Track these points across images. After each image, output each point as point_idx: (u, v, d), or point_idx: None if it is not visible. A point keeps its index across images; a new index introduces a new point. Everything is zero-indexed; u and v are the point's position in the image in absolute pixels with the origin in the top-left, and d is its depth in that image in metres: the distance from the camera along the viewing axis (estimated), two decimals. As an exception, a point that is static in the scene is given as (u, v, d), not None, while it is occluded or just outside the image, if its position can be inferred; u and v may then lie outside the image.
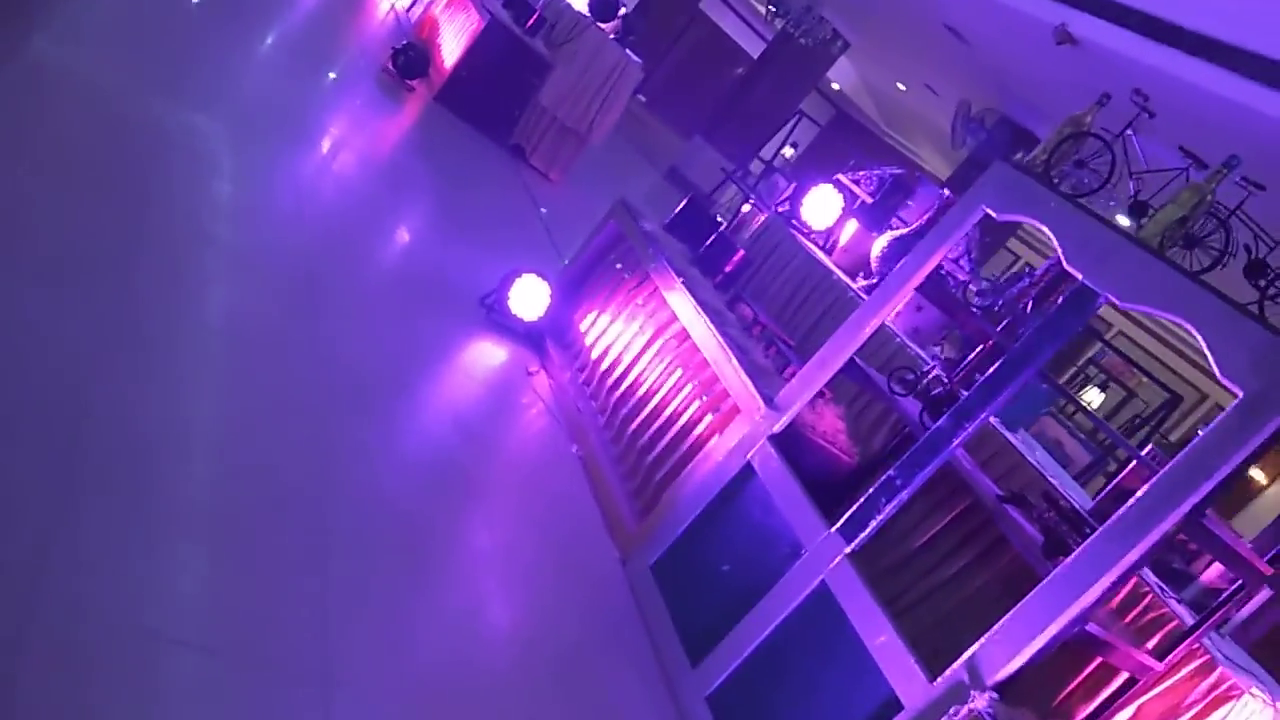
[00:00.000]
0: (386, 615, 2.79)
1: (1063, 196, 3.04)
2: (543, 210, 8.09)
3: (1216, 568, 3.45)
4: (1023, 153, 10.91)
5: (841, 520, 3.10)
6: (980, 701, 2.56)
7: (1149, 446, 3.76)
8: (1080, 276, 2.89)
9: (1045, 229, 3.01)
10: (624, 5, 9.22)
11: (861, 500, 3.08)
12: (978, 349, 4.00)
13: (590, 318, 5.03)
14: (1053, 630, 2.55)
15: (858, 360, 3.59)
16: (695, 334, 4.21)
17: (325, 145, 6.21)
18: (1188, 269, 2.83)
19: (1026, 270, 4.10)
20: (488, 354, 4.91)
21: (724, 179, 10.23)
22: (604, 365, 4.72)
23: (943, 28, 10.00)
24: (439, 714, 2.64)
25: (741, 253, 4.89)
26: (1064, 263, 2.93)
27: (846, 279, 5.43)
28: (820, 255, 5.71)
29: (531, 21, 8.59)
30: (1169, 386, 10.50)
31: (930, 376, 3.67)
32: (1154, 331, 13.19)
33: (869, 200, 5.95)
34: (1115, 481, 3.55)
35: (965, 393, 3.30)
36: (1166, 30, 6.16)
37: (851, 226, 5.84)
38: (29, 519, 2.21)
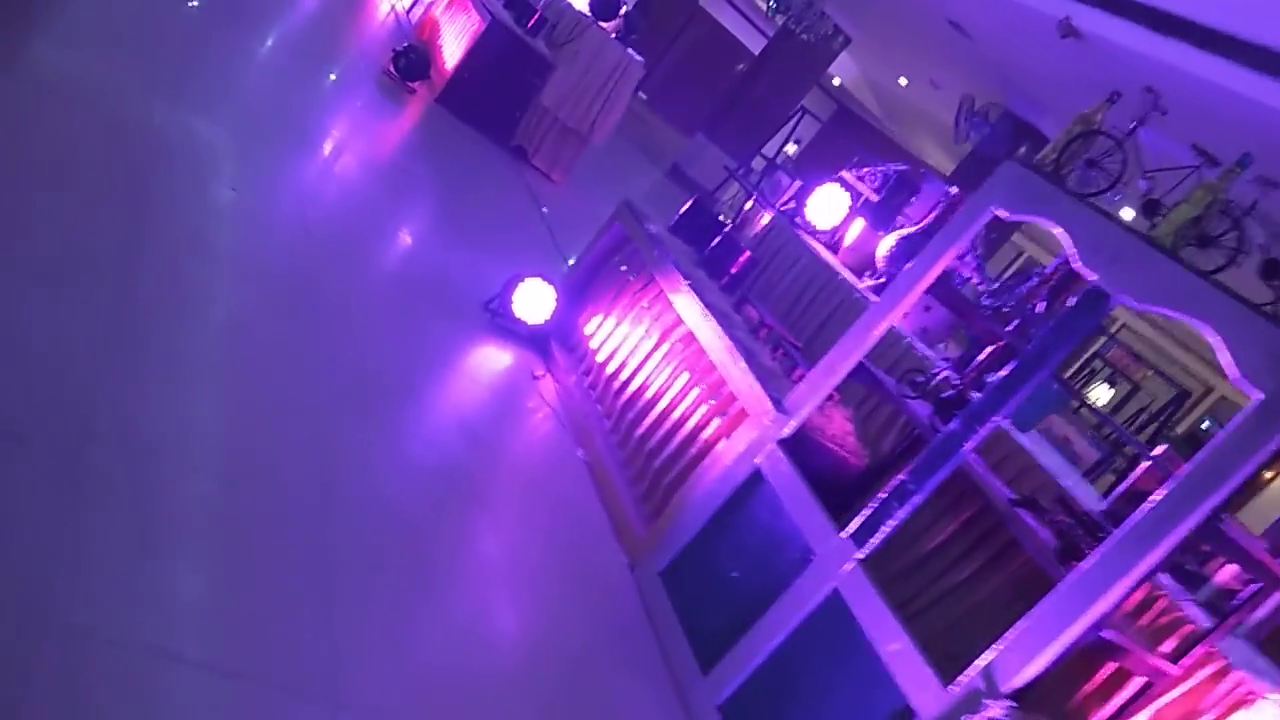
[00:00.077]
0: (393, 626, 2.76)
1: (1074, 196, 3.01)
2: (545, 210, 8.07)
3: (1230, 568, 3.42)
4: (1026, 146, 10.86)
5: (853, 526, 3.07)
6: (996, 710, 2.53)
7: (1161, 447, 3.71)
8: (1093, 277, 2.86)
9: (1057, 229, 2.97)
10: (625, 4, 9.18)
11: (873, 505, 3.05)
12: (986, 348, 3.97)
13: (595, 321, 5.00)
14: (1069, 637, 2.51)
15: (866, 363, 3.56)
16: (702, 336, 4.18)
17: (326, 148, 6.19)
18: (1201, 269, 2.80)
19: (1036, 271, 4.06)
20: (492, 358, 4.88)
21: (727, 177, 10.19)
22: (610, 369, 4.69)
23: (945, 22, 9.95)
24: (448, 727, 2.62)
25: (747, 254, 4.85)
26: (1077, 263, 2.90)
27: (853, 279, 5.40)
28: (826, 255, 5.67)
29: (533, 22, 8.56)
30: (1175, 380, 10.46)
31: (940, 378, 3.64)
32: (1158, 324, 13.15)
33: (874, 198, 5.90)
34: (1128, 483, 3.52)
35: (976, 394, 3.27)
36: (1173, 23, 6.11)
37: (858, 225, 5.80)
38: (31, 533, 2.19)
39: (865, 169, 6.32)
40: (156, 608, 2.26)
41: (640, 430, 4.29)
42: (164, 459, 2.69)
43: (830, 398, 3.69)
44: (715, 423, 3.95)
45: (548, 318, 5.05)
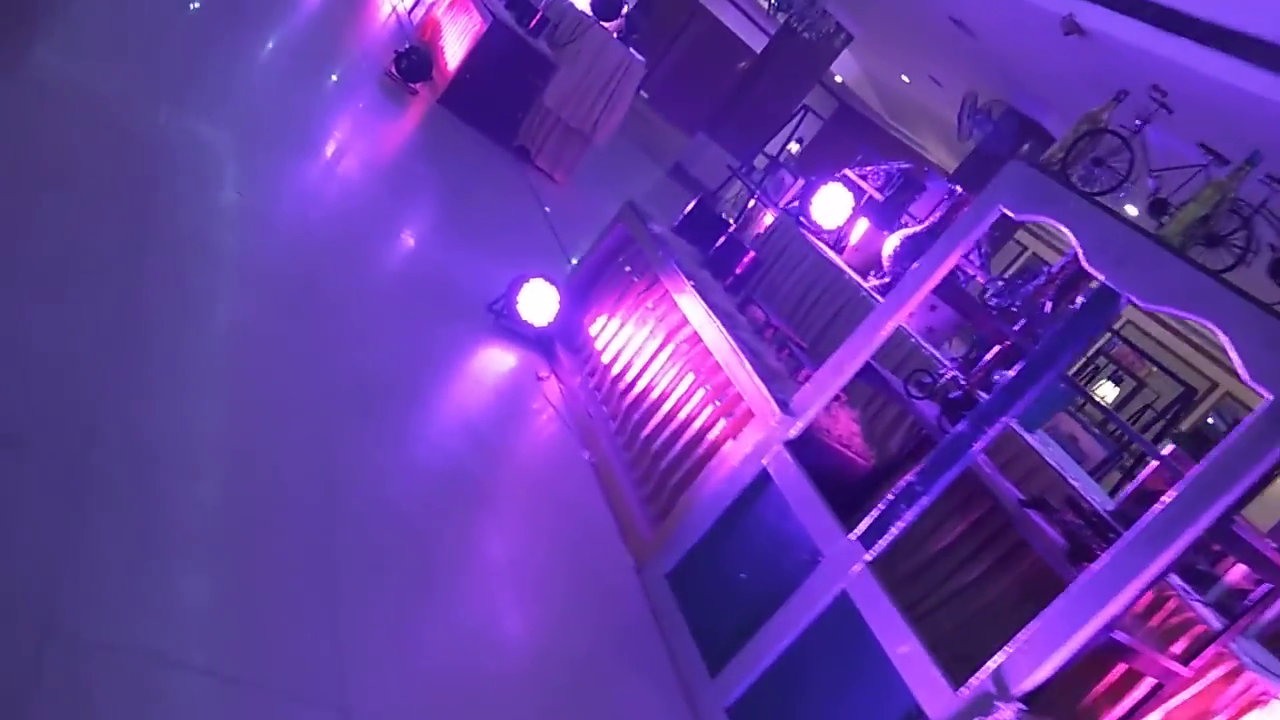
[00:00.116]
0: (398, 629, 2.75)
1: (1081, 195, 2.99)
2: (547, 210, 8.05)
3: (1241, 568, 3.40)
4: (1030, 143, 10.83)
5: (861, 527, 3.05)
6: (1007, 712, 2.51)
7: (1170, 446, 3.69)
8: (1101, 278, 2.84)
9: (1064, 229, 2.96)
10: (626, 3, 9.16)
11: (881, 507, 3.04)
12: (993, 348, 3.95)
13: (600, 322, 4.99)
14: (1080, 639, 2.50)
15: (873, 363, 3.55)
16: (707, 337, 4.17)
17: (329, 151, 6.18)
18: (1211, 268, 2.78)
19: (1044, 269, 4.04)
20: (497, 360, 4.87)
21: (729, 176, 10.17)
22: (615, 370, 4.68)
23: (948, 19, 9.92)
24: (456, 732, 2.61)
25: (752, 254, 4.84)
26: (1084, 263, 2.89)
27: (858, 278, 5.38)
28: (831, 255, 5.65)
29: (534, 22, 8.54)
30: (1180, 377, 10.42)
31: (947, 379, 3.62)
32: (1162, 320, 13.12)
33: (878, 197, 5.89)
34: (1137, 483, 3.50)
35: (983, 394, 3.26)
36: (1176, 19, 6.09)
37: (862, 225, 5.78)
38: (34, 538, 2.18)
39: (869, 167, 6.31)
40: (160, 613, 2.25)
41: (646, 431, 4.28)
42: (167, 463, 2.68)
43: (836, 398, 3.68)
44: (721, 424, 3.93)
45: (552, 319, 5.04)
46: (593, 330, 5.02)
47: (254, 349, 3.54)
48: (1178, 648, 3.24)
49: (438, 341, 4.67)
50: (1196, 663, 2.96)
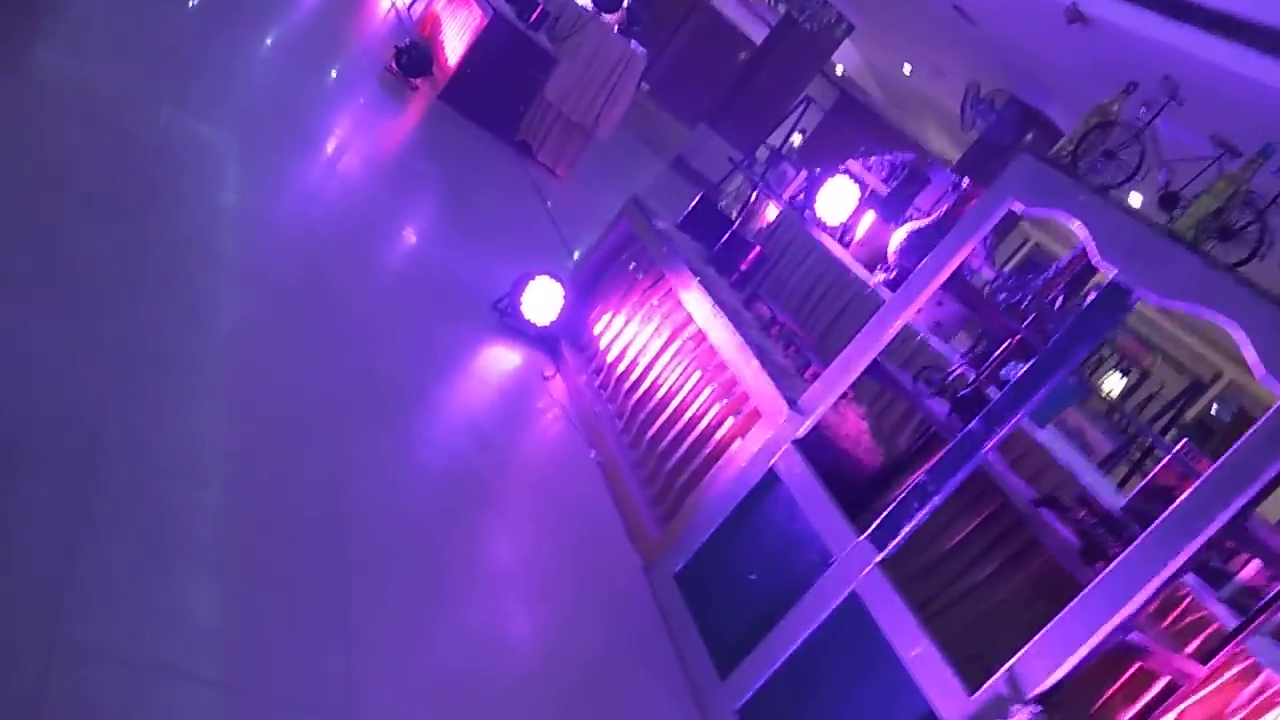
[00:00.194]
0: (406, 633, 2.73)
1: (1092, 189, 2.96)
2: (549, 204, 8.02)
3: (1255, 564, 3.37)
4: (1034, 133, 10.75)
5: (872, 528, 3.03)
6: (1023, 715, 2.49)
7: (1182, 441, 3.66)
8: (1113, 273, 2.81)
9: (1075, 223, 2.93)
10: (627, -5, 9.12)
11: (892, 507, 3.01)
12: (1002, 344, 3.92)
13: (605, 319, 4.95)
14: (1095, 641, 2.47)
15: (882, 360, 3.51)
16: (713, 335, 4.14)
17: (330, 148, 6.15)
18: (1224, 262, 2.75)
19: (1054, 263, 4.01)
20: (501, 359, 4.84)
21: (732, 169, 10.13)
22: (620, 368, 4.65)
23: (949, 7, 9.87)
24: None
25: (757, 250, 4.80)
26: (1096, 258, 2.85)
27: (865, 273, 5.34)
28: (837, 249, 5.62)
29: (535, 16, 8.50)
30: (1185, 366, 10.38)
31: (956, 375, 3.59)
32: (1166, 310, 13.05)
33: (883, 190, 5.84)
34: (1149, 479, 3.47)
35: (993, 390, 3.23)
36: (1181, 7, 6.03)
37: (868, 219, 5.74)
38: (39, 549, 2.15)
39: (872, 158, 6.26)
40: (167, 623, 2.23)
41: (652, 430, 4.25)
42: (172, 469, 2.66)
43: (844, 395, 3.65)
44: (729, 422, 3.91)
45: (557, 317, 5.01)
46: (598, 328, 4.99)
47: (257, 351, 3.51)
48: (1192, 647, 3.21)
49: (442, 341, 4.65)
50: (1212, 662, 2.93)
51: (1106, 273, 2.87)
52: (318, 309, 4.03)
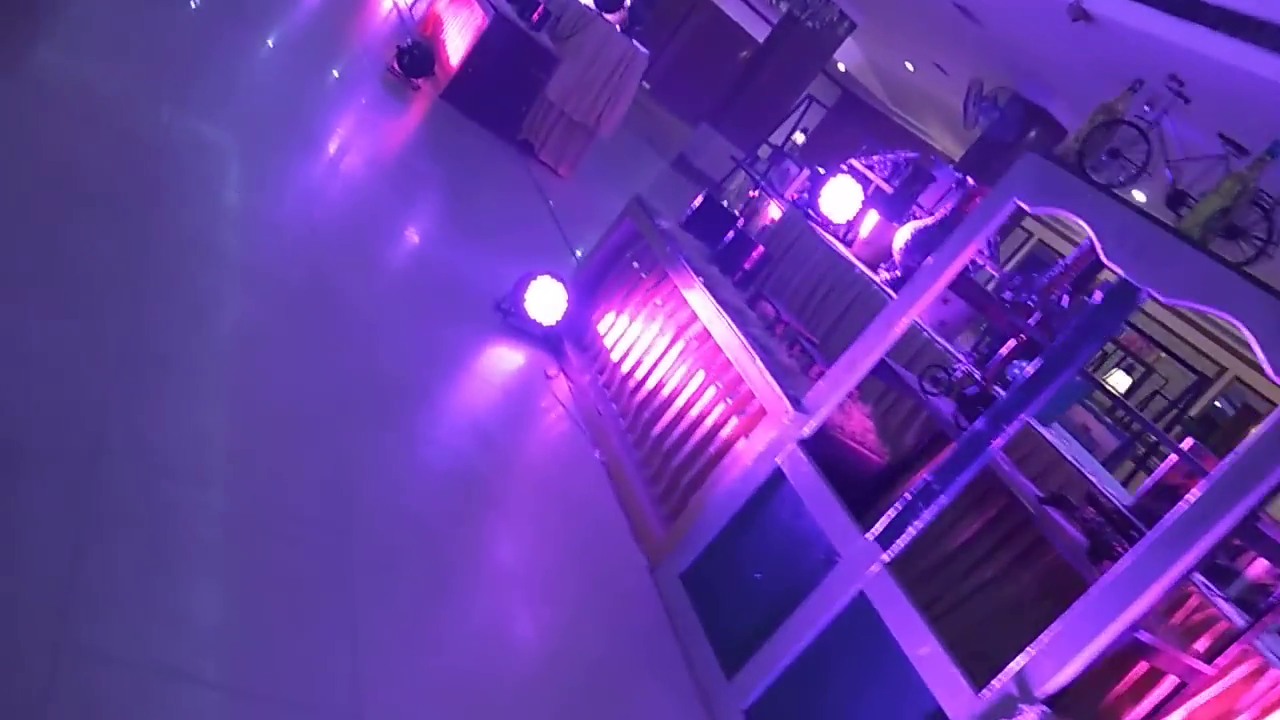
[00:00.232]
0: (412, 636, 2.72)
1: (1097, 188, 2.94)
2: (551, 203, 8.01)
3: (1262, 563, 3.36)
4: (1037, 130, 10.73)
5: (878, 527, 3.02)
6: (1031, 715, 2.47)
7: (1188, 440, 3.65)
8: (1120, 272, 2.80)
9: (1081, 222, 2.91)
10: (628, -5, 9.11)
11: (898, 506, 3.00)
12: (1008, 342, 3.91)
13: (608, 319, 4.94)
14: (1103, 641, 2.46)
15: (887, 359, 3.50)
16: (717, 334, 4.13)
17: (332, 148, 6.14)
18: (1232, 261, 2.73)
19: (1059, 261, 3.99)
20: (505, 359, 4.83)
21: (734, 167, 10.12)
22: (624, 367, 4.64)
23: (952, 5, 9.84)
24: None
25: (761, 249, 4.79)
26: (1102, 257, 2.84)
27: (869, 272, 5.33)
28: (840, 248, 5.60)
29: (536, 16, 8.49)
30: (1188, 363, 10.35)
31: (962, 374, 3.58)
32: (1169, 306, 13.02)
33: (886, 188, 5.83)
34: (1156, 477, 3.46)
35: (999, 390, 3.22)
36: (1186, 4, 6.01)
37: (872, 217, 5.73)
38: (43, 551, 2.15)
39: (875, 157, 6.25)
40: (171, 625, 2.22)
41: (657, 430, 4.24)
42: (175, 470, 2.65)
43: (849, 394, 3.64)
44: (733, 421, 3.90)
45: (560, 317, 5.00)
46: (601, 328, 4.98)
47: (260, 351, 3.50)
48: (1200, 645, 3.20)
49: (445, 341, 4.64)
50: (1220, 660, 2.92)
51: (1113, 272, 2.86)
52: (321, 309, 4.03)
